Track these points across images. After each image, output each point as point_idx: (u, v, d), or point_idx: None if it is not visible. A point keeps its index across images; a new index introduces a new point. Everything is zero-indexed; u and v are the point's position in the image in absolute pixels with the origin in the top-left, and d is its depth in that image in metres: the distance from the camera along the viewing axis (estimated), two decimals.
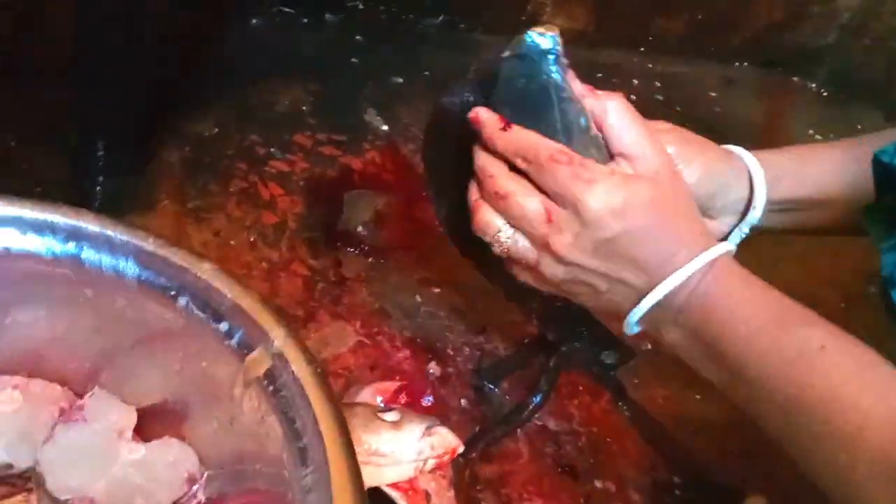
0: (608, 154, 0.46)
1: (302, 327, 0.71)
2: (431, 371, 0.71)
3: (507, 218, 0.46)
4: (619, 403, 0.74)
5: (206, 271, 0.42)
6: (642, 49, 1.55)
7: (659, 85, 1.45)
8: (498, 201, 0.46)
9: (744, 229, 0.56)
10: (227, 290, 0.42)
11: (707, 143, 0.56)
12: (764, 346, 0.39)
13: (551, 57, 0.44)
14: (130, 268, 0.43)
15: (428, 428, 0.61)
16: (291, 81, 1.02)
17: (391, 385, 0.66)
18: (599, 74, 1.41)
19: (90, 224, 0.43)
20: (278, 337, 0.41)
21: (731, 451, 0.73)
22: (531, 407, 0.65)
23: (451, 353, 0.74)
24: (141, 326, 0.46)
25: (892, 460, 0.33)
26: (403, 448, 0.59)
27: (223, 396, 0.44)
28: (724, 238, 0.57)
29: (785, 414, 0.38)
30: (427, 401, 0.65)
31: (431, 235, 0.84)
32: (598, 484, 0.67)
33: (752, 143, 1.30)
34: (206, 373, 0.45)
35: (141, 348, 0.48)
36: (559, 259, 0.45)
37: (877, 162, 0.47)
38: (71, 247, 0.43)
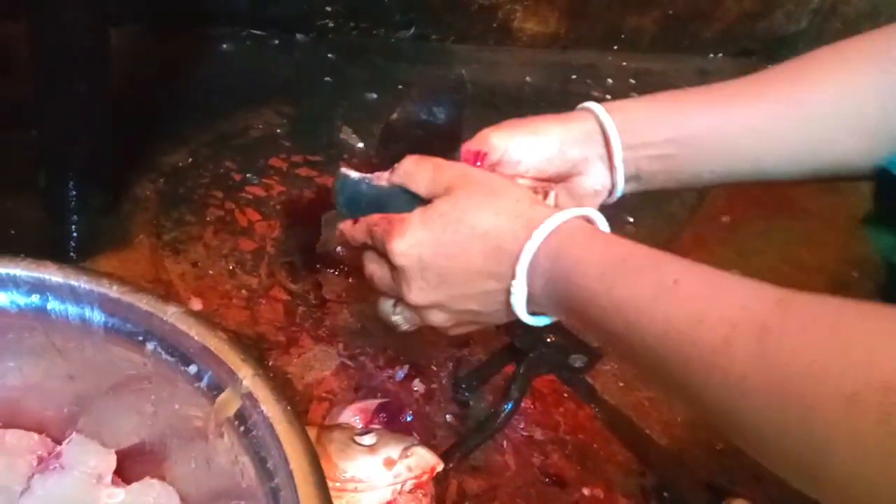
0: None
1: (284, 353, 0.72)
2: (416, 388, 0.71)
3: (384, 296, 0.51)
4: (604, 409, 0.74)
5: (171, 315, 0.43)
6: (616, 48, 1.56)
7: (634, 82, 1.46)
8: (373, 285, 0.51)
9: (619, 184, 0.53)
10: (194, 332, 0.43)
11: (542, 119, 0.53)
12: (621, 295, 0.39)
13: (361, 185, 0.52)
14: (96, 316, 0.43)
15: (405, 449, 0.61)
16: (264, 105, 1.02)
17: (371, 404, 0.67)
18: (574, 76, 1.41)
19: (53, 275, 0.43)
20: (246, 376, 0.41)
21: (718, 450, 0.73)
22: (503, 415, 0.66)
23: (435, 368, 0.74)
24: (113, 372, 0.46)
25: (759, 360, 0.32)
26: (380, 473, 0.60)
27: (198, 437, 0.45)
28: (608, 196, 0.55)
29: (658, 357, 0.37)
30: (407, 418, 0.66)
31: None
32: (585, 491, 0.67)
33: None
34: (180, 414, 0.45)
35: (116, 393, 0.48)
36: (423, 307, 0.48)
37: (882, 171, 0.47)
38: (35, 299, 0.43)
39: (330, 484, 0.58)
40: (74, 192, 0.71)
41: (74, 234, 0.72)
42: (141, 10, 1.06)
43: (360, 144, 1.02)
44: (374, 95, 1.13)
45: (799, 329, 0.32)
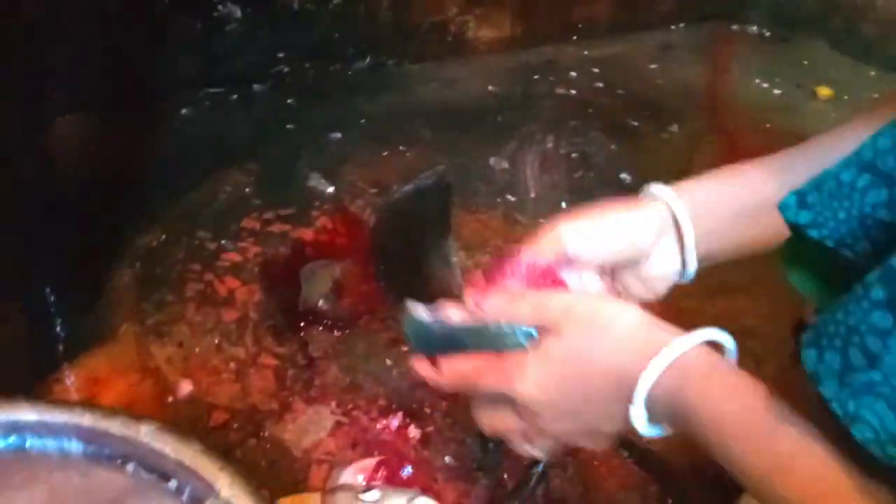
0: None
1: (278, 420, 0.73)
2: (411, 435, 0.73)
3: (514, 438, 0.51)
4: None
5: (144, 434, 0.44)
6: (574, 38, 1.56)
7: (597, 71, 1.46)
8: (497, 432, 0.51)
9: (691, 267, 0.54)
10: (169, 448, 0.44)
11: (611, 208, 0.53)
12: (736, 460, 0.40)
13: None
14: (74, 446, 0.45)
15: (409, 500, 0.63)
16: (230, 166, 1.03)
17: (370, 462, 0.68)
18: (536, 76, 1.41)
19: (27, 414, 0.44)
20: (224, 486, 0.43)
21: None
22: (535, 477, 0.66)
23: (429, 411, 0.75)
24: (100, 494, 0.47)
25: None
26: None
27: None
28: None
29: None
30: (406, 472, 0.67)
31: None
32: None
33: (699, 109, 1.29)
34: None
35: None
36: (558, 433, 0.48)
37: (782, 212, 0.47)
38: (13, 440, 0.45)
39: None
40: (52, 298, 0.73)
41: (60, 337, 0.74)
42: (90, 94, 1.07)
43: (331, 189, 1.03)
44: (339, 135, 1.14)
45: None
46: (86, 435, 0.45)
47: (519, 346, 0.48)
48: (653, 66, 1.56)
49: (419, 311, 0.51)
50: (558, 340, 0.46)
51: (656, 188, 0.54)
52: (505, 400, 0.48)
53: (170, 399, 0.73)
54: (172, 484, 0.44)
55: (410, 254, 0.55)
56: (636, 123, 1.31)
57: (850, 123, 0.52)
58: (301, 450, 0.70)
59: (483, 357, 0.49)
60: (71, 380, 0.72)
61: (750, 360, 0.85)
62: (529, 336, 0.48)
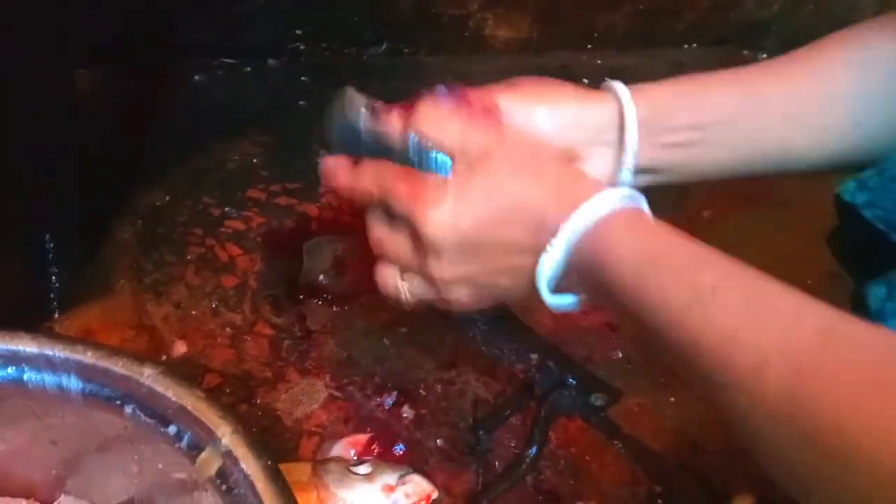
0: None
1: (272, 389, 0.72)
2: (405, 415, 0.72)
3: (392, 264, 0.47)
4: (594, 419, 0.75)
5: (147, 377, 0.43)
6: (589, 47, 1.56)
7: None
8: (379, 251, 0.47)
9: (625, 176, 0.49)
10: (171, 392, 0.43)
11: (558, 88, 0.50)
12: (654, 296, 0.37)
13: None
14: (73, 383, 0.44)
15: (401, 476, 0.62)
16: (240, 136, 1.02)
17: (362, 437, 0.67)
18: None
19: (28, 346, 0.43)
20: (225, 434, 0.42)
21: (711, 451, 0.74)
22: (528, 460, 0.66)
23: (423, 392, 0.74)
24: (95, 435, 0.46)
25: (791, 396, 0.31)
26: (379, 499, 0.60)
27: (184, 493, 0.45)
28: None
29: (686, 361, 0.36)
30: (398, 449, 0.66)
31: None
32: None
33: None
34: (164, 474, 0.46)
35: (101, 454, 0.48)
36: (448, 281, 0.44)
37: (838, 198, 0.46)
38: (11, 371, 0.44)
39: None
40: (51, 245, 0.71)
41: (55, 287, 0.72)
42: (108, 49, 1.06)
43: None
44: None
45: (832, 376, 0.31)
46: (86, 373, 0.44)
47: (439, 170, 0.43)
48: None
49: (358, 96, 0.47)
50: (484, 166, 0.42)
51: (613, 82, 0.50)
52: (407, 225, 0.44)
53: (163, 357, 0.71)
54: (172, 429, 0.43)
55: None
56: None
57: (826, 41, 0.50)
58: (293, 419, 0.70)
59: (405, 170, 0.44)
60: (64, 330, 0.71)
61: None
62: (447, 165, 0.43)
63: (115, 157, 0.92)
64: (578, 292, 0.43)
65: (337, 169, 0.48)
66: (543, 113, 0.47)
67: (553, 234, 0.40)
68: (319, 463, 0.63)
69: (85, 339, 0.44)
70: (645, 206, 0.43)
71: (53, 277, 0.73)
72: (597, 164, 0.49)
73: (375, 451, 0.65)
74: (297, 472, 0.62)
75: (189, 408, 0.43)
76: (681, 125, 0.49)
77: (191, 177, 0.94)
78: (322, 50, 1.25)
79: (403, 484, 0.61)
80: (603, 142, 0.48)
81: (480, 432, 0.71)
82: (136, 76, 1.06)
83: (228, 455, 0.41)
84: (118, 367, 0.44)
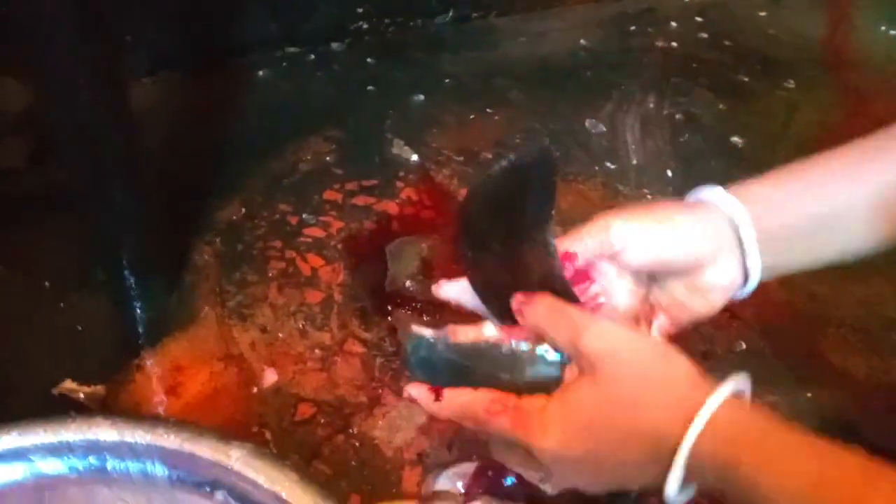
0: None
1: (368, 415, 0.68)
2: None
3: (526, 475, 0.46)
4: None
5: (236, 461, 0.39)
6: None
7: (701, 21, 1.32)
8: (515, 467, 0.46)
9: (753, 274, 0.47)
10: (262, 478, 0.39)
11: (664, 206, 0.48)
12: None
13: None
14: (159, 469, 0.40)
15: None
16: (310, 132, 0.97)
17: (470, 467, 0.62)
18: (633, 27, 1.29)
19: (107, 434, 0.40)
20: None
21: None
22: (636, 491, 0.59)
23: None
24: None
25: None
26: None
27: None
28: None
29: None
30: (509, 481, 0.61)
31: None
32: None
33: (817, 63, 1.15)
34: None
35: None
36: (575, 486, 0.43)
37: None
38: (93, 461, 0.40)
39: None
40: (134, 279, 0.69)
41: (142, 323, 0.70)
42: (167, 57, 1.02)
43: (415, 157, 0.96)
44: (421, 97, 1.06)
45: None
46: (171, 459, 0.40)
47: (549, 376, 0.42)
48: (762, 14, 1.40)
49: (424, 330, 0.46)
50: (592, 386, 0.40)
51: (710, 192, 0.47)
52: (521, 445, 0.42)
53: (254, 390, 0.69)
54: None
55: (504, 240, 0.48)
56: (746, 79, 1.18)
57: None
58: (392, 448, 0.65)
59: (496, 395, 0.42)
60: (153, 367, 0.69)
61: (893, 357, 0.75)
62: (562, 364, 0.41)
63: (185, 171, 0.89)
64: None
65: (418, 395, 0.46)
66: (661, 230, 0.45)
67: (672, 452, 0.38)
68: (425, 501, 0.59)
69: (167, 421, 0.40)
70: (748, 389, 0.40)
71: (138, 311, 0.71)
72: (722, 272, 0.47)
73: (485, 485, 0.60)
74: None
75: (283, 494, 0.39)
76: (799, 219, 0.47)
77: (265, 183, 0.90)
78: (386, 27, 1.18)
79: None
80: (725, 248, 0.46)
81: None
82: (199, 82, 1.03)
83: None
84: (205, 450, 0.40)
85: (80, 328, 0.70)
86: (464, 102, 1.04)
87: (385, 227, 0.87)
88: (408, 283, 0.80)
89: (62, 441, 0.40)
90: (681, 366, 0.40)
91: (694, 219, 0.46)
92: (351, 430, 0.67)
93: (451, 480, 0.62)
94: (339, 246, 0.84)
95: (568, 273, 0.46)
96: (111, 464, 0.41)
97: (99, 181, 0.66)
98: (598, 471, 0.41)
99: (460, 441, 0.66)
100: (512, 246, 0.47)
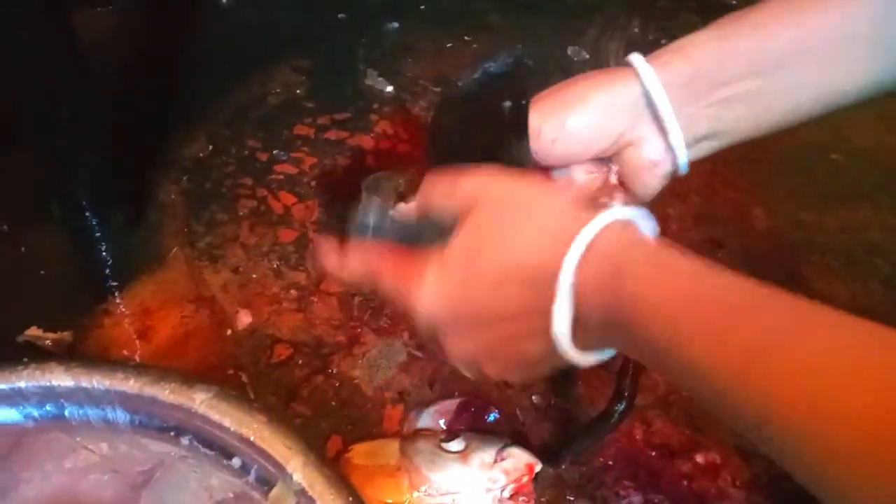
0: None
1: (347, 355, 0.66)
2: None
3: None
4: None
5: (201, 403, 0.37)
6: None
7: None
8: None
9: (679, 149, 0.42)
10: (228, 420, 0.37)
11: (581, 86, 0.43)
12: (700, 360, 0.30)
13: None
14: (120, 415, 0.38)
15: (499, 451, 0.56)
16: (279, 62, 0.92)
17: (451, 404, 0.61)
18: None
19: (62, 380, 0.38)
20: (296, 469, 0.35)
21: None
22: (616, 416, 0.58)
23: None
24: (156, 460, 0.41)
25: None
26: (476, 481, 0.55)
27: None
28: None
29: (752, 425, 0.29)
30: (492, 418, 0.60)
31: None
32: (699, 459, 0.61)
33: None
34: (238, 496, 0.41)
35: (167, 472, 0.43)
36: (468, 363, 0.40)
37: None
38: (49, 408, 0.38)
39: (427, 499, 0.54)
40: (95, 216, 0.65)
41: (106, 263, 0.67)
42: None
43: (390, 88, 0.91)
44: (396, 24, 1.01)
45: None
46: (132, 404, 0.38)
47: (431, 242, 0.38)
48: None
49: (375, 197, 0.45)
50: (461, 233, 0.37)
51: (632, 56, 0.42)
52: (407, 309, 0.39)
53: (228, 332, 0.66)
54: (236, 462, 0.38)
55: (476, 156, 0.45)
56: (734, 2, 1.13)
57: None
58: (373, 388, 0.64)
59: (391, 250, 0.40)
60: (121, 311, 0.66)
61: (876, 283, 0.74)
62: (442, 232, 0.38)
63: (148, 104, 0.84)
64: (611, 346, 0.36)
65: (322, 254, 0.43)
66: (573, 118, 0.42)
67: (554, 279, 0.34)
68: (407, 440, 0.58)
69: (125, 364, 0.38)
70: (648, 225, 0.36)
71: (103, 253, 0.68)
72: (651, 147, 0.43)
73: (467, 420, 0.59)
74: (384, 453, 0.57)
75: (252, 437, 0.37)
76: (735, 76, 0.41)
77: (232, 118, 0.86)
78: None
79: (502, 460, 0.55)
80: (645, 123, 0.42)
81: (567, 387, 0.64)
82: (159, 8, 0.97)
83: (302, 494, 0.35)
84: (166, 394, 0.38)
85: (42, 272, 0.67)
86: (440, 28, 0.99)
87: (360, 163, 0.83)
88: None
89: (14, 388, 0.38)
90: (561, 198, 0.37)
91: (606, 95, 0.41)
92: (330, 371, 0.65)
93: (433, 418, 0.60)
94: (313, 183, 0.80)
95: None
96: (69, 410, 0.38)
97: (46, 110, 0.62)
98: (478, 326, 0.37)
99: (442, 379, 0.64)
100: (485, 160, 0.44)
